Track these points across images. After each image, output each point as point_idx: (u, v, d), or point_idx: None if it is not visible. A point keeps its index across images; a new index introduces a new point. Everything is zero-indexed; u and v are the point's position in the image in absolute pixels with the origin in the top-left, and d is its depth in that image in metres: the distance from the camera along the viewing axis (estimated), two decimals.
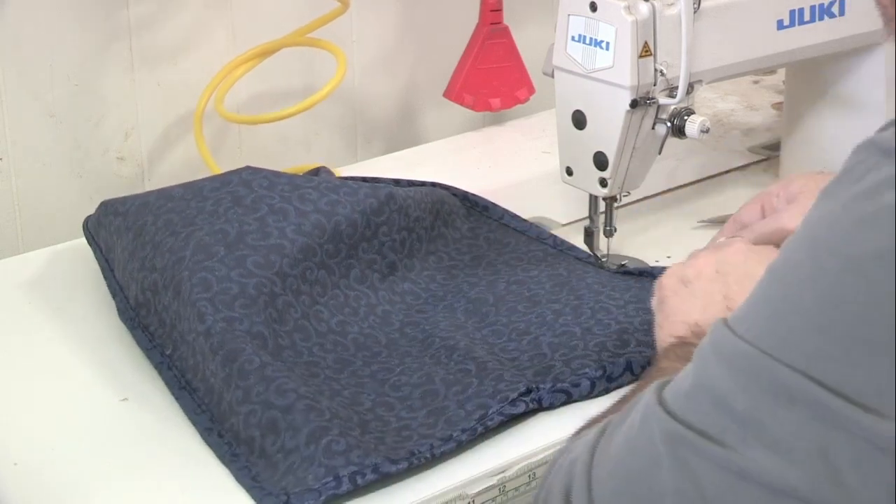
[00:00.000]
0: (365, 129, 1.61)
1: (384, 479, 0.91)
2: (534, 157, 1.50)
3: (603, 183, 1.20)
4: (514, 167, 1.49)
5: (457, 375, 1.02)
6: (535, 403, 1.00)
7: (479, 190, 1.36)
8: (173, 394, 1.04)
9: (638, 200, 1.33)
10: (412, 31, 1.61)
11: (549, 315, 1.10)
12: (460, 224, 1.26)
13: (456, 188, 1.33)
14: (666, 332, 0.96)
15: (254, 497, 0.92)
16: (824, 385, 0.64)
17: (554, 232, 1.29)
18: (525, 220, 1.30)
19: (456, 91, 1.53)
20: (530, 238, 1.26)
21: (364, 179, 1.32)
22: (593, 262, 1.22)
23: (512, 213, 1.31)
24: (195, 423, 1.00)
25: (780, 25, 1.24)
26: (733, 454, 0.66)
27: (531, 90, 1.57)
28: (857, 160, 0.66)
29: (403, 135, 1.64)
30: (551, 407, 1.01)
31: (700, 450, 0.67)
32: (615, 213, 1.24)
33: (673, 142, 1.20)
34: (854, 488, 0.63)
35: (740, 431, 0.66)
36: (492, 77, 1.54)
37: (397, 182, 1.32)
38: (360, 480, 0.90)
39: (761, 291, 0.69)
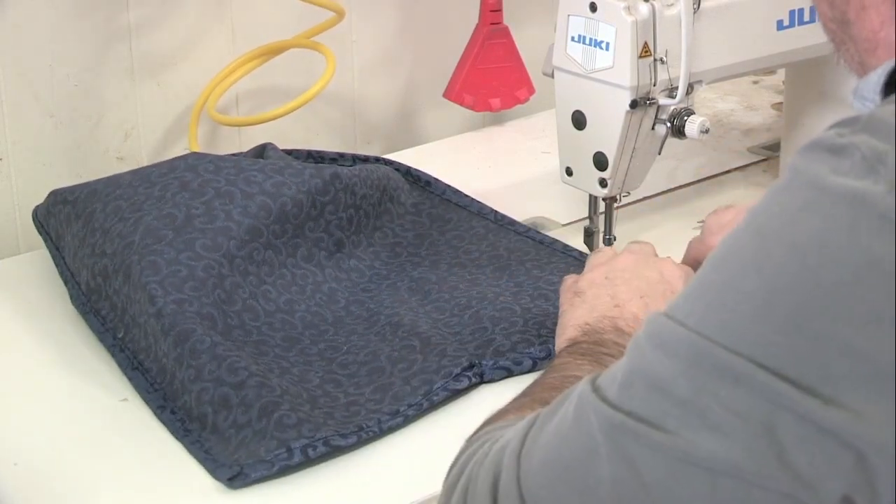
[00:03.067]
0: (365, 130, 1.61)
1: (334, 452, 0.95)
2: (534, 157, 1.50)
3: (603, 183, 1.20)
4: (514, 167, 1.49)
5: (402, 352, 1.06)
6: (478, 378, 1.04)
7: (480, 190, 1.36)
8: (126, 374, 1.06)
9: (638, 200, 1.33)
10: (412, 31, 1.61)
11: (489, 293, 1.14)
12: (405, 199, 1.29)
13: (399, 163, 1.37)
14: (562, 338, 1.00)
15: (207, 469, 0.94)
16: (767, 368, 0.64)
17: (554, 232, 1.30)
18: (466, 196, 1.33)
19: (456, 91, 1.53)
20: (472, 213, 1.30)
21: (309, 153, 1.37)
22: (533, 237, 1.25)
23: (454, 188, 1.34)
24: (148, 402, 1.02)
25: (780, 25, 1.24)
26: (674, 438, 0.66)
27: (531, 90, 1.57)
28: (805, 160, 0.67)
29: (403, 135, 1.64)
30: (492, 380, 1.05)
31: (639, 436, 0.67)
32: (615, 213, 1.24)
33: (673, 142, 1.20)
34: (799, 467, 0.64)
35: (681, 415, 0.66)
36: (492, 77, 1.54)
37: (342, 156, 1.37)
38: (311, 453, 0.94)
39: (702, 279, 0.70)
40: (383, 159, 1.37)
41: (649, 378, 0.68)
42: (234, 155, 1.34)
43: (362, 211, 1.21)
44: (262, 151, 1.30)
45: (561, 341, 0.99)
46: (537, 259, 1.20)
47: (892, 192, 0.62)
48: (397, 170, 1.34)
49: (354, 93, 1.59)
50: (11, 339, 1.14)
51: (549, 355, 1.05)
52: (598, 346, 0.94)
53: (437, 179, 1.35)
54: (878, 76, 0.71)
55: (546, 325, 1.08)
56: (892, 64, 0.71)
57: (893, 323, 0.62)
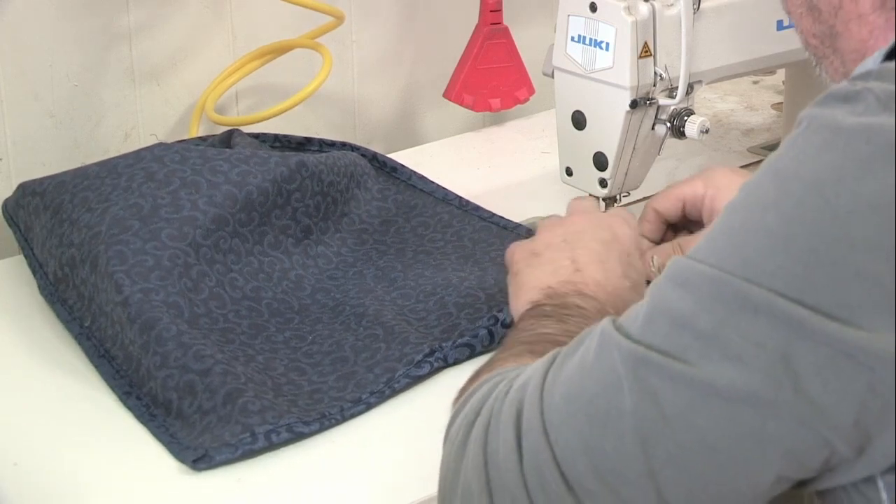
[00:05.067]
0: (365, 130, 1.61)
1: (297, 437, 0.96)
2: (534, 158, 1.50)
3: (603, 183, 1.21)
4: (514, 167, 1.49)
5: (365, 341, 1.07)
6: (441, 362, 1.05)
7: (480, 190, 1.36)
8: (92, 362, 1.07)
9: (638, 200, 1.33)
10: (412, 31, 1.61)
11: (454, 279, 1.15)
12: (371, 185, 1.29)
13: (365, 149, 1.37)
14: (522, 299, 0.98)
15: (171, 452, 0.96)
16: (787, 297, 0.67)
17: None
18: (432, 182, 1.34)
19: (456, 91, 1.53)
20: (437, 199, 1.31)
21: (276, 136, 1.37)
22: (497, 222, 1.26)
23: (419, 174, 1.35)
24: (113, 388, 1.03)
25: (780, 25, 1.24)
26: (695, 370, 0.69)
27: (531, 90, 1.57)
28: (819, 108, 0.70)
29: (403, 135, 1.64)
30: (457, 362, 1.05)
31: (661, 368, 0.70)
32: None
33: (673, 142, 1.20)
34: (814, 393, 0.67)
35: (702, 347, 0.69)
36: (492, 77, 1.54)
37: (308, 140, 1.37)
38: (274, 438, 0.95)
39: (721, 222, 0.72)
40: (349, 145, 1.38)
41: (671, 314, 0.71)
42: (201, 139, 1.35)
43: (329, 198, 1.22)
44: (228, 138, 1.31)
45: (521, 302, 0.97)
46: (501, 244, 1.21)
47: None
48: (363, 155, 1.35)
49: (354, 93, 1.59)
50: (9, 339, 1.13)
51: (500, 321, 1.06)
52: (562, 309, 0.95)
53: (402, 165, 1.36)
54: (874, 58, 0.74)
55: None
56: (885, 48, 0.74)
57: None
